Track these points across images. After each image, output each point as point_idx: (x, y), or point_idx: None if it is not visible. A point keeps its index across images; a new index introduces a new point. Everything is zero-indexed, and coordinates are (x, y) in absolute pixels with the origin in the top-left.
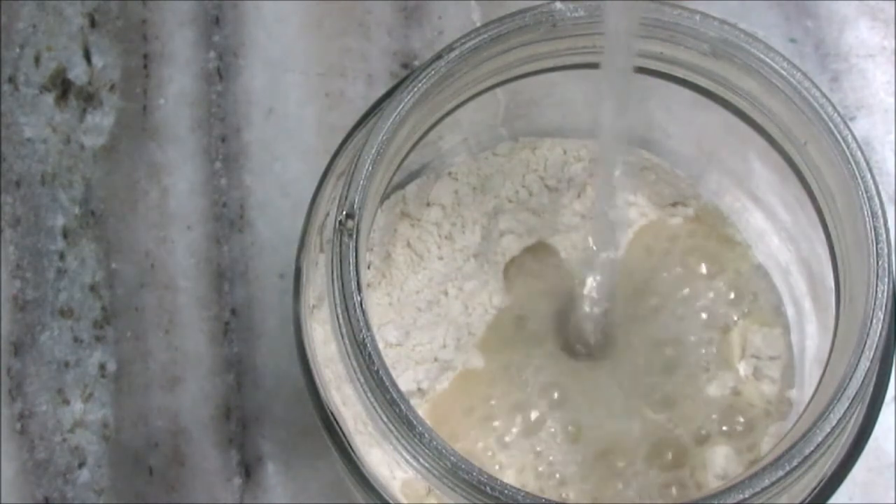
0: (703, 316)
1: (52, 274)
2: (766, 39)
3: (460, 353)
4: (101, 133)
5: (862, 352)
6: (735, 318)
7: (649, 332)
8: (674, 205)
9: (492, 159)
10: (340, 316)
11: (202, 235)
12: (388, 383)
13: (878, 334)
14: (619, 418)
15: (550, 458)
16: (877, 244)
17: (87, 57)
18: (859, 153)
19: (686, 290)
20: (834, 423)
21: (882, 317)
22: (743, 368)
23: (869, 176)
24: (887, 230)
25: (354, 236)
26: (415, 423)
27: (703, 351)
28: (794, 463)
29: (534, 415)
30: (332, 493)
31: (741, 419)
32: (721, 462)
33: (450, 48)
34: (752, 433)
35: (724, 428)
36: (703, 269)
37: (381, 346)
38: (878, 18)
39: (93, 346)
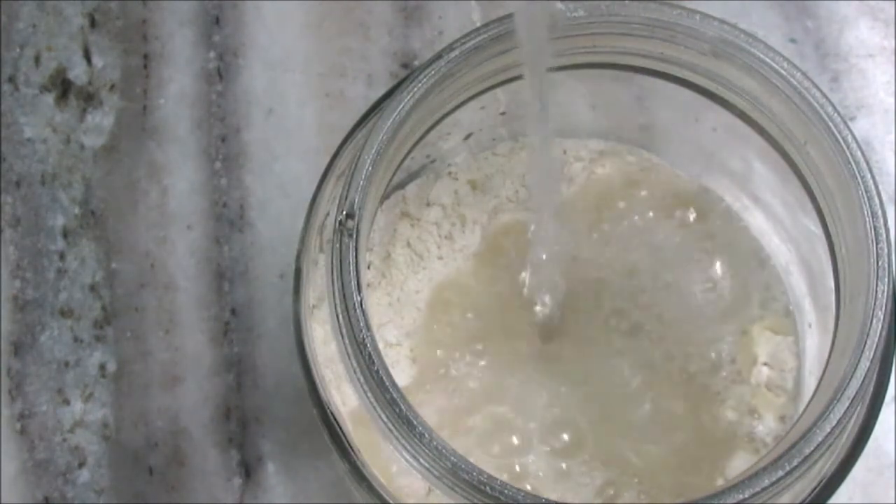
0: (717, 319)
1: (52, 274)
2: (766, 39)
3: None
4: (101, 133)
5: (862, 352)
6: (750, 323)
7: (662, 333)
8: (674, 204)
9: (492, 159)
10: (340, 316)
11: (202, 235)
12: (388, 383)
13: (878, 334)
14: (629, 419)
15: (547, 458)
16: (877, 244)
17: (87, 57)
18: (859, 153)
19: (697, 290)
20: (834, 423)
21: (882, 317)
22: (755, 377)
23: (869, 176)
24: (887, 230)
25: (354, 236)
26: (415, 423)
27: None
28: (794, 463)
29: (532, 417)
30: (332, 493)
31: (756, 427)
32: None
33: (450, 48)
34: (766, 445)
35: (740, 438)
36: (714, 270)
37: (381, 346)
38: (878, 18)
39: (93, 346)
